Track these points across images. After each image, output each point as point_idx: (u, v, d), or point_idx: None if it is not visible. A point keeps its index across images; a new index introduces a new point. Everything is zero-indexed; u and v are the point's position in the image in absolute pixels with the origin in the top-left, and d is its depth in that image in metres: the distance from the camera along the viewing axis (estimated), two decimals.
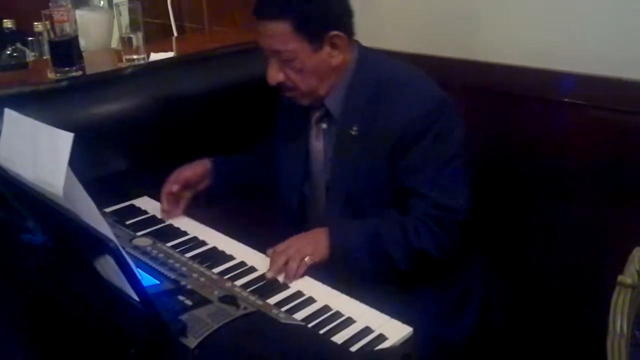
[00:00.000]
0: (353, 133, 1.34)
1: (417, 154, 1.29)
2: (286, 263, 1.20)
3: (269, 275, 1.19)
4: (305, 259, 1.21)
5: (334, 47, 1.31)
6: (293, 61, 1.29)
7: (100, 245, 0.82)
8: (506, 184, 1.57)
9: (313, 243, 1.25)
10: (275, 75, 1.32)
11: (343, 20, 1.32)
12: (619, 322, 0.96)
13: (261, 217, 1.68)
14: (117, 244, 0.81)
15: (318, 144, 1.43)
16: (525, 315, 1.58)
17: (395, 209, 1.32)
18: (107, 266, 0.89)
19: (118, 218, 1.41)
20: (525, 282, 1.58)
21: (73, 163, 0.85)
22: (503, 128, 1.56)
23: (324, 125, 1.41)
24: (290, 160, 1.48)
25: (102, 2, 2.15)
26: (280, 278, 1.20)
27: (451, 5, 1.64)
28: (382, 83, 1.33)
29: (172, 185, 1.46)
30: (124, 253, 0.82)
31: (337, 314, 1.09)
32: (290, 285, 1.18)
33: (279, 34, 1.26)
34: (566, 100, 1.45)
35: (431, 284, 1.34)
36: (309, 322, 1.06)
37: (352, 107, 1.35)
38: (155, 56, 1.83)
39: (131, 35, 1.76)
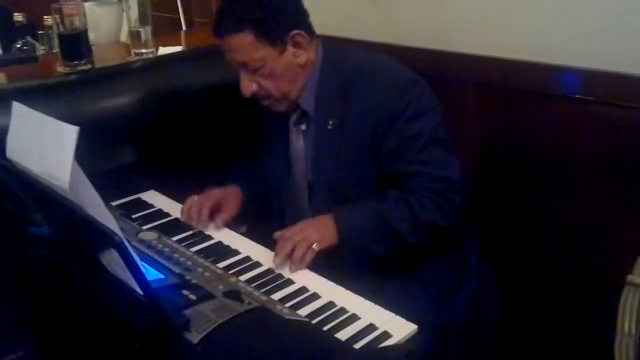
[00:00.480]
0: (330, 127, 1.36)
1: (397, 137, 1.30)
2: (293, 250, 1.21)
3: (277, 261, 1.20)
4: (313, 246, 1.22)
5: (297, 46, 1.33)
6: (262, 69, 1.31)
7: (105, 238, 0.82)
8: (506, 179, 1.57)
9: (321, 229, 1.26)
10: (248, 86, 1.34)
11: (298, 19, 1.34)
12: (627, 322, 0.96)
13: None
14: (122, 237, 0.82)
15: (299, 145, 1.44)
16: (531, 318, 1.57)
17: (393, 190, 1.33)
18: (112, 260, 0.89)
19: (125, 211, 1.42)
20: (529, 282, 1.57)
21: (81, 156, 0.85)
22: (502, 123, 1.56)
23: (303, 127, 1.42)
24: (271, 164, 1.50)
25: None
26: (287, 267, 1.20)
27: (451, 0, 1.63)
28: (350, 74, 1.35)
29: (196, 206, 1.41)
30: (128, 247, 0.83)
31: (342, 311, 1.09)
32: (295, 280, 1.18)
33: (242, 45, 1.29)
34: (567, 95, 1.44)
35: (424, 269, 1.35)
36: (313, 319, 1.06)
37: (324, 102, 1.37)
38: (163, 50, 1.83)
39: (140, 29, 1.76)
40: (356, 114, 1.32)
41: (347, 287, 1.15)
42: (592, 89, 1.40)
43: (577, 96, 1.42)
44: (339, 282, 1.17)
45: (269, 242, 1.29)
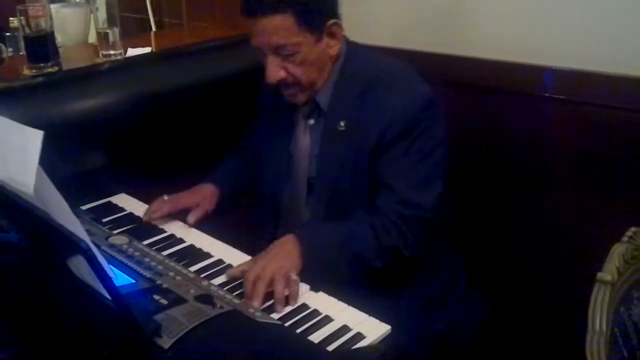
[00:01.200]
0: (340, 128, 1.33)
1: (397, 151, 1.28)
2: (269, 286, 1.11)
3: (255, 305, 1.08)
4: (292, 276, 1.13)
5: (332, 37, 1.31)
6: (295, 55, 1.27)
7: (71, 245, 0.81)
8: (488, 178, 1.58)
9: (285, 257, 1.18)
10: (276, 72, 1.29)
11: (336, 8, 1.32)
12: (598, 319, 0.97)
13: (240, 216, 1.68)
14: (89, 243, 0.81)
15: (304, 140, 1.41)
16: (505, 311, 1.59)
17: (359, 210, 1.31)
18: (80, 266, 0.88)
19: (95, 216, 1.40)
20: (501, 281, 1.59)
21: (50, 160, 0.84)
22: (486, 123, 1.57)
23: (312, 121, 1.40)
24: (272, 159, 1.46)
25: None
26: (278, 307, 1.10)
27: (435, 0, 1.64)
28: (371, 79, 1.33)
29: (170, 206, 1.42)
30: (96, 253, 0.82)
31: (315, 313, 1.09)
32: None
33: (281, 28, 1.24)
34: (550, 95, 1.46)
35: (413, 280, 1.35)
36: (286, 321, 1.06)
37: (340, 102, 1.34)
38: (132, 51, 1.81)
39: (108, 31, 1.74)
40: (368, 121, 1.30)
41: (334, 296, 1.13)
42: (573, 90, 1.42)
43: (559, 96, 1.44)
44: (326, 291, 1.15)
45: (261, 235, 1.27)
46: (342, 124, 1.33)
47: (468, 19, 1.58)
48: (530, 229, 1.54)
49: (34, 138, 0.82)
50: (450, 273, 1.44)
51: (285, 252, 1.20)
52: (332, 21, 1.29)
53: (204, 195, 1.47)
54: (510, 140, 1.54)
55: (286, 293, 1.11)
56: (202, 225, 1.41)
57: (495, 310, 1.48)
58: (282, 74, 1.30)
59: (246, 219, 1.59)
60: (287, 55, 1.27)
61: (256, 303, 1.09)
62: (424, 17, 1.66)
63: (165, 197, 1.44)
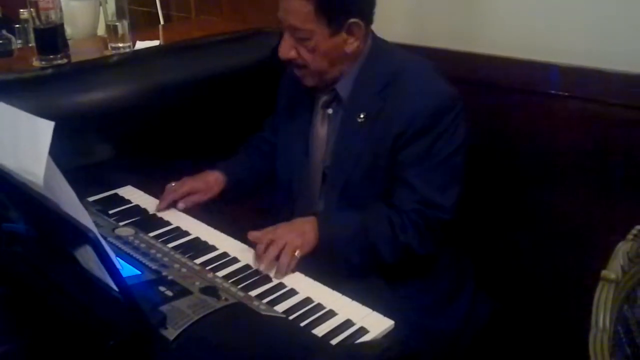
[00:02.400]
0: (359, 120, 1.33)
1: (417, 149, 1.29)
2: (278, 256, 1.18)
3: (262, 269, 1.17)
4: (296, 253, 1.20)
5: (351, 34, 1.30)
6: (308, 40, 1.28)
7: (80, 235, 0.82)
8: (490, 175, 1.58)
9: (301, 234, 1.24)
10: (287, 50, 1.31)
11: (365, 8, 1.31)
12: (601, 317, 0.97)
13: (248, 208, 1.68)
14: (97, 234, 0.81)
15: (322, 129, 1.42)
16: (509, 309, 1.59)
17: (382, 202, 1.32)
18: (87, 256, 0.89)
19: (101, 207, 1.41)
20: (511, 275, 1.59)
21: (57, 151, 0.84)
22: (487, 120, 1.57)
23: (330, 111, 1.40)
24: (289, 145, 1.47)
25: None
26: (271, 272, 1.18)
27: None
28: (395, 74, 1.32)
29: (174, 194, 1.44)
30: (103, 243, 0.82)
31: (319, 307, 1.10)
32: (272, 276, 1.18)
33: (299, 11, 1.25)
34: (551, 92, 1.45)
35: (422, 277, 1.35)
36: (290, 315, 1.07)
37: (361, 94, 1.35)
38: (141, 44, 1.82)
39: (117, 24, 1.75)
40: (388, 116, 1.30)
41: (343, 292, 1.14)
42: (574, 86, 1.41)
43: (560, 93, 1.43)
44: (332, 287, 1.16)
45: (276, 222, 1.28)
46: (361, 115, 1.33)
47: (474, 16, 1.58)
48: (535, 227, 1.54)
49: (45, 129, 0.82)
50: (458, 274, 1.45)
51: (302, 230, 1.25)
52: (354, 20, 1.28)
53: (207, 181, 1.48)
54: (515, 138, 1.54)
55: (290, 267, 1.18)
56: (215, 212, 1.43)
57: (500, 309, 1.49)
58: (292, 53, 1.31)
59: (262, 205, 1.60)
60: (301, 38, 1.29)
61: (262, 266, 1.17)
62: (428, 12, 1.66)
63: (173, 184, 1.46)
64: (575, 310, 1.26)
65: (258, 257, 1.19)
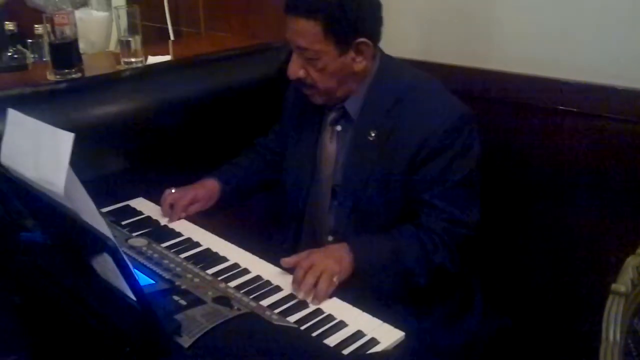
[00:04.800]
0: (370, 138, 1.34)
1: (434, 169, 1.29)
2: (315, 284, 1.16)
3: (300, 294, 1.15)
4: (334, 279, 1.18)
5: (359, 53, 1.31)
6: (316, 60, 1.30)
7: (99, 244, 0.84)
8: (498, 191, 1.58)
9: (338, 260, 1.22)
10: (296, 70, 1.33)
11: (372, 28, 1.32)
12: (612, 330, 0.97)
13: (256, 218, 1.70)
14: (116, 243, 0.83)
15: (331, 147, 1.42)
16: (519, 323, 1.59)
17: (409, 223, 1.32)
18: (105, 265, 0.90)
19: (114, 218, 1.43)
20: (520, 288, 1.59)
21: (71, 163, 0.86)
22: (496, 136, 1.58)
23: (339, 128, 1.41)
24: (297, 162, 1.48)
25: (101, 6, 2.17)
26: (309, 298, 1.16)
27: (452, 13, 1.66)
28: (405, 91, 1.33)
29: (173, 202, 1.47)
30: (122, 252, 0.84)
31: (330, 317, 1.11)
32: (283, 287, 1.19)
33: (307, 32, 1.27)
34: (560, 108, 1.46)
35: (432, 291, 1.35)
36: (302, 325, 1.08)
37: (371, 111, 1.35)
38: (152, 59, 1.85)
39: (129, 39, 1.78)
40: (401, 134, 1.31)
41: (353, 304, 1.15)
42: (589, 103, 1.43)
43: (575, 110, 1.45)
44: (342, 298, 1.17)
45: (283, 239, 1.30)
46: (372, 133, 1.34)
47: (484, 32, 1.60)
48: (544, 242, 1.54)
49: (66, 140, 0.84)
50: (468, 288, 1.45)
51: (339, 256, 1.24)
52: (362, 39, 1.29)
53: (209, 189, 1.52)
54: (524, 153, 1.55)
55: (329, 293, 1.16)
56: (220, 224, 1.44)
57: (509, 324, 1.49)
58: (301, 73, 1.33)
59: (268, 222, 1.62)
60: (309, 58, 1.30)
61: (301, 294, 1.15)
62: (443, 29, 1.68)
63: (173, 190, 1.48)
64: (585, 324, 1.27)
65: (296, 283, 1.17)
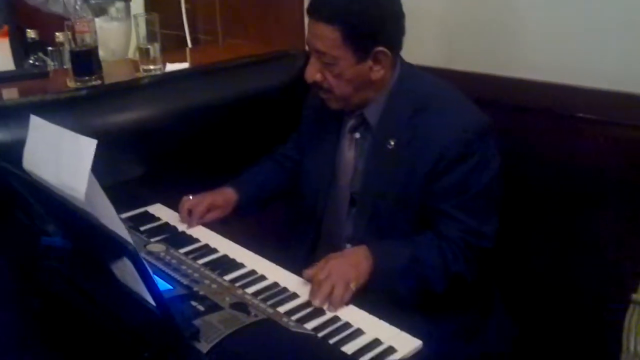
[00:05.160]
0: (389, 147, 1.33)
1: (454, 179, 1.28)
2: (331, 292, 1.16)
3: (316, 303, 1.15)
4: (351, 285, 1.17)
5: (377, 62, 1.31)
6: (333, 66, 1.30)
7: (119, 248, 0.85)
8: (518, 200, 1.57)
9: (354, 265, 1.22)
10: (313, 73, 1.33)
11: (392, 37, 1.32)
12: (632, 341, 0.97)
13: (272, 226, 1.70)
14: (136, 248, 0.84)
15: (349, 154, 1.42)
16: (537, 333, 1.58)
17: (429, 231, 1.32)
18: (124, 270, 0.91)
19: (132, 224, 1.44)
20: (538, 299, 1.58)
21: (91, 169, 0.88)
22: (517, 143, 1.57)
23: (357, 135, 1.41)
24: (315, 169, 1.48)
25: (120, 14, 2.20)
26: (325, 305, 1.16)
27: (472, 21, 1.66)
28: (425, 100, 1.33)
29: (190, 208, 1.48)
30: (142, 257, 0.85)
31: (347, 325, 1.10)
32: (300, 294, 1.19)
33: (327, 37, 1.27)
34: (582, 116, 1.45)
35: (451, 300, 1.34)
36: (319, 332, 1.07)
37: (390, 119, 1.35)
38: (170, 67, 1.86)
39: (148, 46, 1.80)
40: (420, 143, 1.30)
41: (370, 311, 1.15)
42: (606, 110, 1.42)
43: (592, 117, 1.43)
44: (359, 306, 1.17)
45: (301, 246, 1.29)
46: (391, 142, 1.33)
47: (505, 39, 1.60)
48: (562, 252, 1.53)
49: (88, 146, 0.86)
50: (485, 298, 1.44)
51: (356, 261, 1.23)
52: (380, 48, 1.29)
53: (226, 197, 1.52)
54: (545, 162, 1.54)
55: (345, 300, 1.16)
56: (237, 231, 1.45)
57: (528, 334, 1.48)
58: (318, 77, 1.33)
59: (285, 229, 1.62)
60: (327, 63, 1.30)
61: (317, 302, 1.15)
62: (466, 37, 1.68)
63: (190, 197, 1.49)
64: (605, 334, 1.25)
65: (312, 293, 1.17)
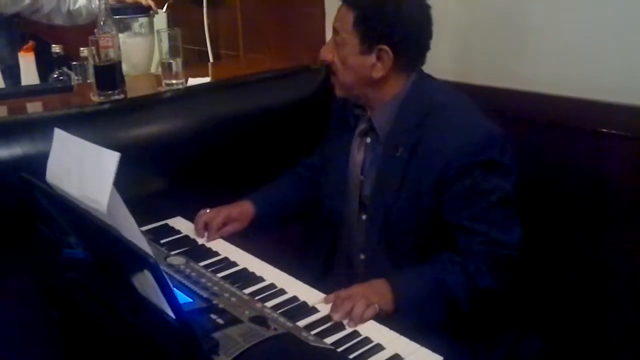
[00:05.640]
0: (398, 154, 1.34)
1: (465, 188, 1.27)
2: (352, 309, 1.15)
3: (335, 318, 1.14)
4: (375, 305, 1.17)
5: (379, 60, 1.33)
6: (342, 48, 1.34)
7: (140, 261, 0.85)
8: (543, 215, 1.55)
9: (378, 293, 1.21)
10: (327, 52, 1.38)
11: (402, 43, 1.32)
12: None
13: (289, 238, 1.70)
14: (157, 260, 0.84)
15: (358, 156, 1.43)
16: (559, 349, 1.55)
17: (449, 251, 1.30)
18: (144, 282, 0.92)
19: (153, 237, 1.44)
20: (560, 314, 1.55)
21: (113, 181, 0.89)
22: (534, 158, 1.55)
23: (368, 140, 1.42)
24: (330, 176, 1.50)
25: (144, 29, 2.23)
26: (345, 321, 1.15)
27: (490, 35, 1.65)
28: (431, 108, 1.33)
29: (207, 221, 1.48)
30: (162, 270, 0.85)
31: (367, 340, 1.10)
32: (320, 309, 1.18)
33: (343, 17, 1.33)
34: (598, 130, 1.43)
35: (469, 316, 1.32)
36: (338, 347, 1.07)
37: (400, 128, 1.36)
38: (192, 81, 1.88)
39: (171, 61, 1.82)
40: (428, 152, 1.30)
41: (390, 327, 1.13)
42: (622, 124, 1.40)
43: (606, 131, 1.42)
44: (379, 321, 1.16)
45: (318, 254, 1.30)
46: (400, 150, 1.34)
47: (521, 53, 1.59)
48: (587, 267, 1.50)
49: (111, 159, 0.87)
50: (503, 312, 1.42)
51: (378, 289, 1.22)
52: (383, 46, 1.30)
53: (242, 210, 1.53)
54: (563, 177, 1.52)
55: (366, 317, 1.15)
56: (255, 243, 1.45)
57: (548, 349, 1.46)
58: (330, 56, 1.37)
59: (303, 241, 1.62)
60: (338, 43, 1.35)
61: (337, 316, 1.14)
62: (481, 50, 1.67)
63: (207, 211, 1.50)
64: (627, 351, 1.23)
65: (333, 309, 1.16)
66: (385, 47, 1.31)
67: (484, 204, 1.27)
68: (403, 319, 1.20)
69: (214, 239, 1.46)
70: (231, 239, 1.47)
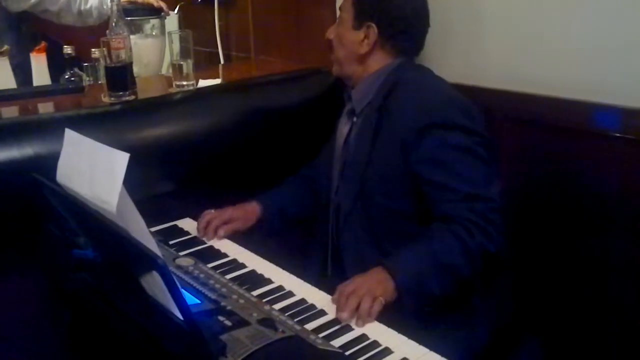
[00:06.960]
0: (371, 126, 1.41)
1: (428, 149, 1.31)
2: (358, 305, 1.15)
3: (343, 317, 1.13)
4: (380, 298, 1.17)
5: (366, 37, 1.42)
6: (340, 25, 1.46)
7: (149, 262, 0.85)
8: (553, 218, 1.55)
9: (378, 282, 1.20)
10: (331, 30, 1.50)
11: (390, 23, 1.41)
12: None
13: (298, 242, 1.70)
14: (165, 262, 0.84)
15: (344, 131, 1.51)
16: (564, 356, 1.54)
17: (434, 222, 1.30)
18: (153, 283, 0.92)
19: (162, 237, 1.45)
20: (567, 321, 1.55)
21: (123, 182, 0.89)
22: (544, 162, 1.55)
23: (354, 119, 1.48)
24: (328, 168, 1.55)
25: (155, 31, 2.24)
26: (351, 319, 1.14)
27: (495, 36, 1.65)
28: (403, 83, 1.40)
29: (211, 220, 1.49)
30: (171, 271, 0.85)
31: (375, 344, 1.09)
32: (327, 312, 1.17)
33: None
34: (610, 134, 1.43)
35: (470, 321, 1.33)
36: (346, 350, 1.06)
37: (373, 102, 1.43)
38: (203, 82, 1.89)
39: (182, 63, 1.82)
40: (392, 120, 1.37)
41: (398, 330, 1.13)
42: (634, 129, 1.39)
43: (619, 135, 1.41)
44: (387, 324, 1.15)
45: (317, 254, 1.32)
46: (372, 121, 1.40)
47: (531, 56, 1.58)
48: (586, 269, 1.50)
49: (121, 160, 0.87)
50: (513, 321, 1.42)
51: (378, 278, 1.22)
52: (370, 23, 1.40)
53: (246, 210, 1.55)
54: (573, 181, 1.51)
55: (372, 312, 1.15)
56: (256, 241, 1.46)
57: (548, 352, 1.46)
58: (331, 34, 1.49)
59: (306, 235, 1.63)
60: (339, 23, 1.47)
61: (345, 315, 1.14)
62: (491, 53, 1.67)
63: (212, 211, 1.51)
64: (630, 354, 1.22)
65: (339, 309, 1.15)
66: (372, 25, 1.41)
67: (453, 161, 1.29)
68: (406, 301, 1.20)
69: (212, 238, 1.47)
70: (240, 241, 1.47)
